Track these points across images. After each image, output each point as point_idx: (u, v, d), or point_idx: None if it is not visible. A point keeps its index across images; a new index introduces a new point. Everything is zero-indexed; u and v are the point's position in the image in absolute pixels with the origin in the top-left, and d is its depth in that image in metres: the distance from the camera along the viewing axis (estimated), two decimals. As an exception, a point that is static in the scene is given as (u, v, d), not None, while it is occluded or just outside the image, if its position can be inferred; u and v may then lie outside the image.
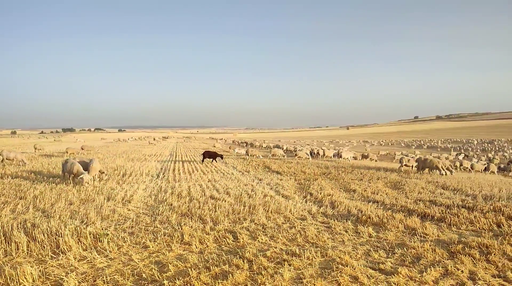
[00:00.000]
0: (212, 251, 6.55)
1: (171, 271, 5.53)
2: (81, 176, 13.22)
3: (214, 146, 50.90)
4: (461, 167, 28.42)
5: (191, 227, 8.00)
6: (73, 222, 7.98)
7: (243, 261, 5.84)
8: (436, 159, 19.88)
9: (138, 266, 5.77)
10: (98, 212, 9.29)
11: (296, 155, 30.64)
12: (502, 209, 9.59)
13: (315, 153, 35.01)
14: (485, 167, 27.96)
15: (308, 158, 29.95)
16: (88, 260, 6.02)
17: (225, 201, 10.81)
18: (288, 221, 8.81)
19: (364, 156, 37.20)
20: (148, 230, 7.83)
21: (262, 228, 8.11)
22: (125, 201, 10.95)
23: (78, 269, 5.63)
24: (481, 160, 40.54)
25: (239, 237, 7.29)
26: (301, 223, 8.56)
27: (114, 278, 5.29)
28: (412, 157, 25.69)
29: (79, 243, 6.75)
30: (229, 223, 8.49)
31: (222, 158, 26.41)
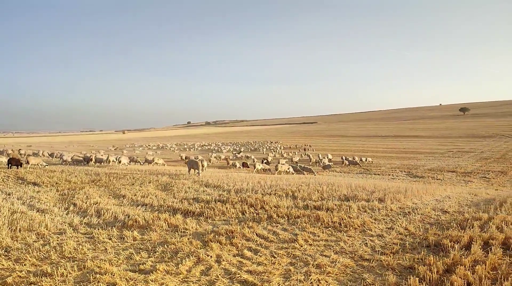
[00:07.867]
0: None
1: None
2: None
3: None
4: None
5: None
6: None
7: (-31, 298, 4.69)
8: (199, 160, 22.32)
9: None
10: None
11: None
12: (247, 199, 11.74)
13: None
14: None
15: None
16: None
17: None
18: (42, 238, 7.68)
19: (148, 161, 36.60)
20: None
21: (5, 251, 6.75)
22: None
23: None
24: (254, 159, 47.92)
25: (-34, 270, 5.79)
26: (58, 238, 7.65)
27: None
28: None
29: None
30: (-49, 254, 6.60)
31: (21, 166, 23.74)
